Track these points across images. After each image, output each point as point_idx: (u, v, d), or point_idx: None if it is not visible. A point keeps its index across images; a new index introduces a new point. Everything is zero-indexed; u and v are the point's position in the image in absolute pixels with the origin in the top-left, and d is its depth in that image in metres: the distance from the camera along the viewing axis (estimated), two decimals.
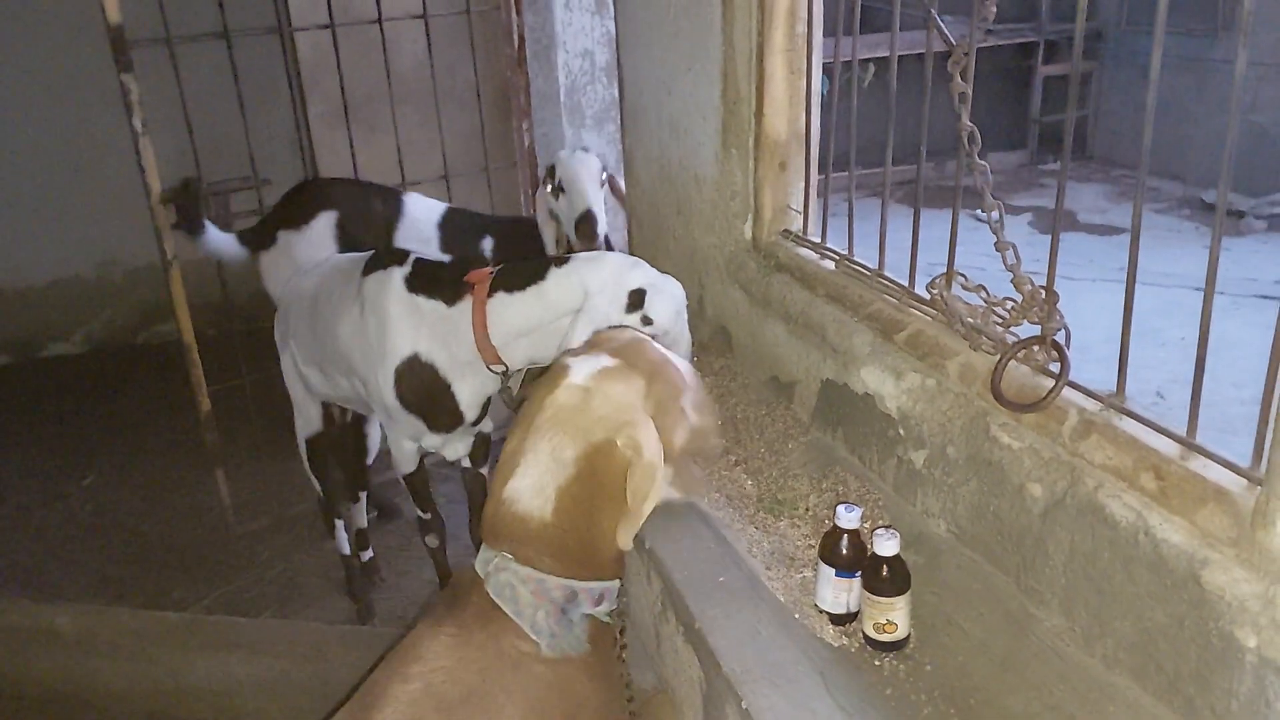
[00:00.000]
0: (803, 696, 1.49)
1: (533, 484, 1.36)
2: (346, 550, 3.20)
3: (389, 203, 3.29)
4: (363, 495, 3.37)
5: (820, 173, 2.26)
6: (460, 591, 1.41)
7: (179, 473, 4.13)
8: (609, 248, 2.99)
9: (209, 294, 3.37)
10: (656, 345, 1.52)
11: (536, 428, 1.37)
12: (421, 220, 3.30)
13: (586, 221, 2.86)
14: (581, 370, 1.41)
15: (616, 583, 1.43)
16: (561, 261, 2.16)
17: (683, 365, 1.53)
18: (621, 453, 1.34)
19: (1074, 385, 1.57)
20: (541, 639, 1.34)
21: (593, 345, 1.51)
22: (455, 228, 3.34)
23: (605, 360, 1.42)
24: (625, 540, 1.39)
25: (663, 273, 2.14)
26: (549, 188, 3.04)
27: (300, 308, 2.68)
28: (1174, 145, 6.27)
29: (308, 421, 2.96)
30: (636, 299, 2.08)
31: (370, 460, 3.34)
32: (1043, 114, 7.38)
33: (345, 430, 3.19)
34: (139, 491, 4.06)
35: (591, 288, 2.07)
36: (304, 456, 3.07)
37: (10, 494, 4.09)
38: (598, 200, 2.94)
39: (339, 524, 3.19)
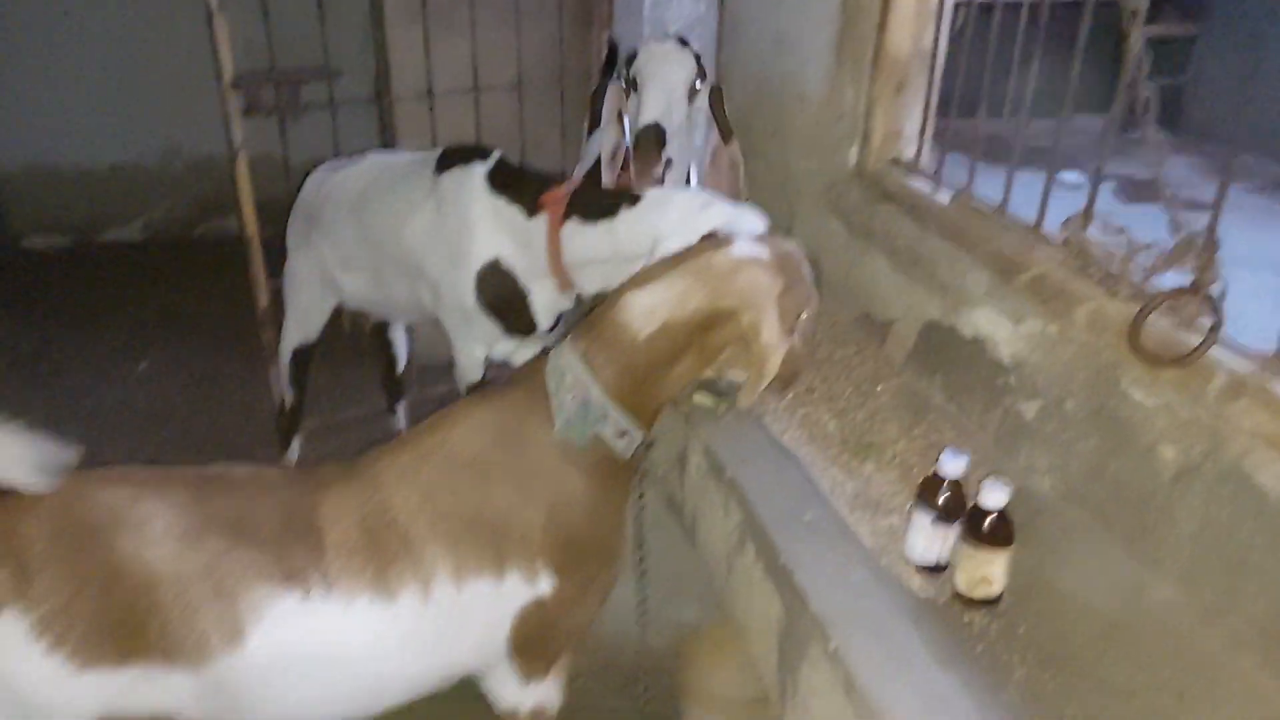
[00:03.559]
0: (894, 643, 1.40)
1: (650, 304, 1.49)
2: None
3: None
4: (399, 406, 3.31)
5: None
6: (522, 376, 1.59)
7: (231, 368, 4.08)
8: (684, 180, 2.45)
9: (269, 192, 3.26)
10: (807, 267, 1.61)
11: (683, 268, 1.51)
12: None
13: (648, 138, 2.22)
14: (744, 248, 1.53)
15: (642, 435, 1.55)
16: (634, 200, 2.02)
17: (813, 296, 1.62)
18: (733, 326, 1.48)
19: (1226, 343, 1.43)
20: (559, 418, 1.50)
21: (765, 239, 1.61)
22: None
23: (764, 252, 1.53)
24: (748, 400, 1.51)
25: (746, 203, 1.99)
26: (621, 79, 2.37)
27: (339, 208, 2.54)
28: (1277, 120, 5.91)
29: (306, 331, 2.83)
30: None
31: (400, 369, 3.27)
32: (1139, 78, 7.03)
33: (372, 342, 3.12)
34: (191, 383, 4.03)
35: (661, 233, 1.94)
36: (285, 366, 2.94)
37: (65, 374, 4.08)
38: (676, 111, 2.27)
39: (296, 441, 3.12)
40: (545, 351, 1.62)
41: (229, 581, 1.43)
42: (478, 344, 2.35)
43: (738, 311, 1.48)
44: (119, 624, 1.40)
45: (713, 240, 1.58)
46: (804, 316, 1.57)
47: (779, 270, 1.53)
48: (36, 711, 1.42)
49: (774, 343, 1.48)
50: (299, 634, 1.46)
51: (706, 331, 1.51)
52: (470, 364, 2.43)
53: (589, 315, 1.59)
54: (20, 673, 1.38)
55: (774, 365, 1.49)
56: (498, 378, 2.55)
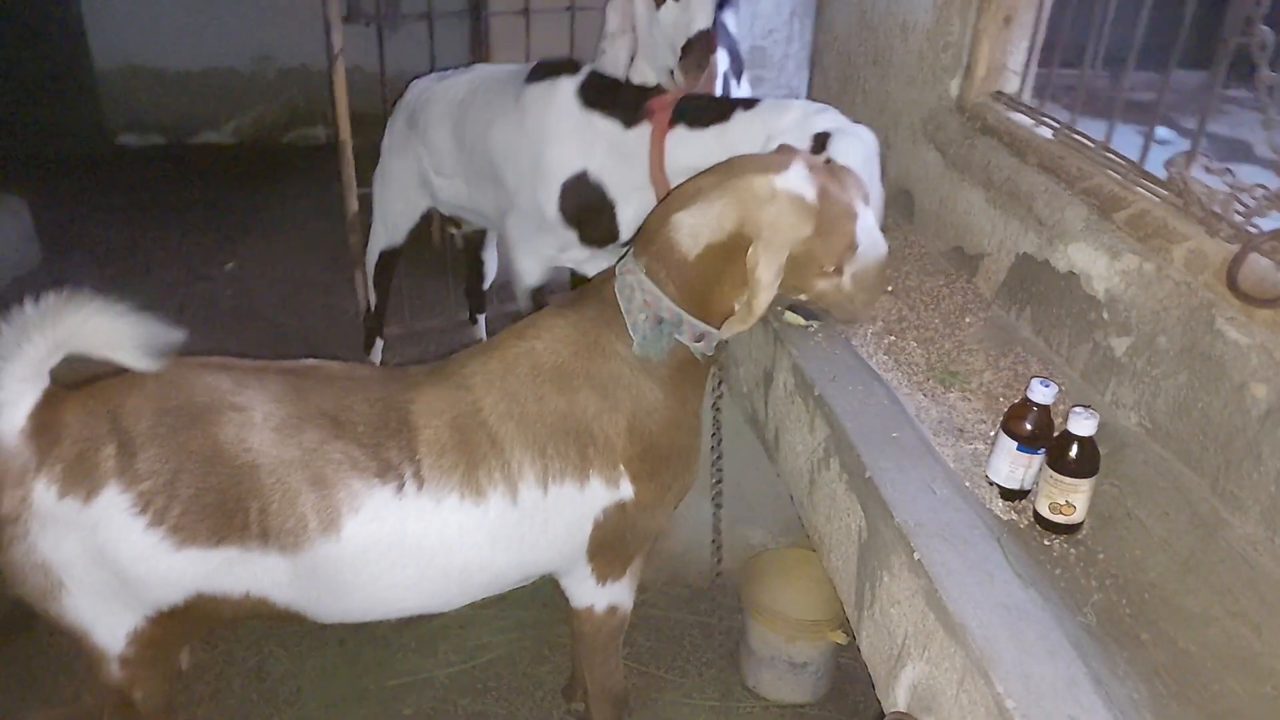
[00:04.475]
0: (977, 557, 1.46)
1: (693, 225, 1.56)
2: None
3: None
4: (480, 318, 3.41)
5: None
6: (592, 289, 1.66)
7: (317, 273, 4.21)
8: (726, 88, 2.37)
9: (357, 104, 3.30)
10: (865, 216, 1.61)
11: (725, 187, 1.55)
12: None
13: (702, 46, 2.10)
14: (792, 177, 1.54)
15: (718, 332, 1.63)
16: (749, 105, 2.04)
17: (876, 242, 1.63)
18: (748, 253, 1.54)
19: None
20: (636, 338, 1.59)
21: (825, 170, 1.60)
22: None
23: (809, 190, 1.54)
24: (727, 333, 1.62)
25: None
26: None
27: (441, 113, 2.59)
28: None
29: (392, 235, 2.92)
30: (821, 143, 1.96)
31: (487, 285, 3.36)
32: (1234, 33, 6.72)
33: (465, 253, 3.21)
34: (278, 285, 4.16)
35: (774, 132, 1.96)
36: (370, 268, 3.04)
37: (157, 268, 4.24)
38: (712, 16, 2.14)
39: (379, 343, 3.24)
40: (608, 269, 1.68)
41: (327, 472, 1.50)
42: (545, 248, 2.38)
43: (752, 241, 1.52)
44: (218, 505, 1.46)
45: (778, 153, 1.60)
46: (851, 263, 1.59)
47: (815, 215, 1.53)
48: (134, 585, 1.48)
49: (765, 282, 1.51)
50: (391, 526, 1.53)
51: (733, 255, 1.55)
52: (536, 266, 2.45)
53: (642, 230, 1.64)
54: (119, 546, 1.44)
55: (762, 303, 1.53)
56: (555, 287, 2.61)
